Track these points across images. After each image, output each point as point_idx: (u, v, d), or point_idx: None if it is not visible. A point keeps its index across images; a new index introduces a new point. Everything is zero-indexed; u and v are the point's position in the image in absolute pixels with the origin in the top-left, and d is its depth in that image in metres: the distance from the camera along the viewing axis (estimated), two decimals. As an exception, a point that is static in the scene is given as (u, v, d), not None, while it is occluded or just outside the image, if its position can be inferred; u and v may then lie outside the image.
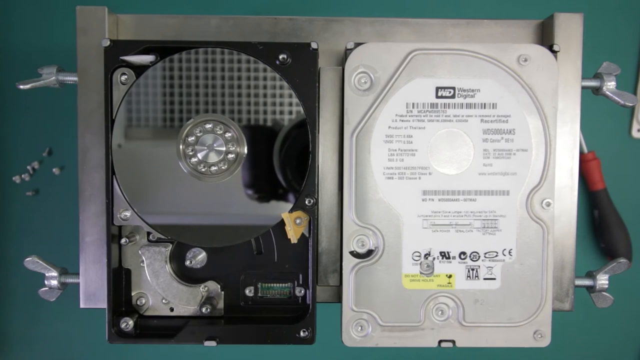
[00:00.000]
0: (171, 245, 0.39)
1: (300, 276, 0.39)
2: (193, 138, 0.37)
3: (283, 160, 0.38)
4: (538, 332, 0.38)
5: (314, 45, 0.36)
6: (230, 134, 0.37)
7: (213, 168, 0.37)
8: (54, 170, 0.56)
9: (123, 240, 0.37)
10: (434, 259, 0.38)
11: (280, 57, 0.36)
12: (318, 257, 0.39)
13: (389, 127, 0.37)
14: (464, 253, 0.38)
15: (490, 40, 0.40)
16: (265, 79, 0.37)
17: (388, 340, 0.38)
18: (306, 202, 0.37)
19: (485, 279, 0.38)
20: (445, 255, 0.38)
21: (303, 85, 0.37)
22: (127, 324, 0.37)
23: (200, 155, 0.37)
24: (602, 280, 0.40)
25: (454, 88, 0.37)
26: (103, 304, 0.38)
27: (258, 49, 0.37)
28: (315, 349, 0.51)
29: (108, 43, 0.36)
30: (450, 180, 0.37)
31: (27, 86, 0.38)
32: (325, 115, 0.38)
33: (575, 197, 0.40)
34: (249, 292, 0.39)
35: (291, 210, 0.37)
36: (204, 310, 0.38)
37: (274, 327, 0.38)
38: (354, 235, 0.37)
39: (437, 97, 0.37)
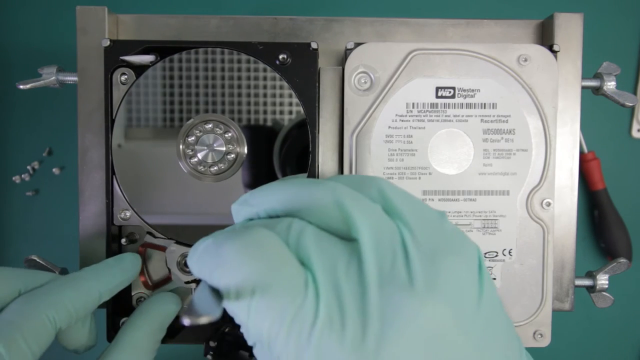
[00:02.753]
0: (171, 245, 0.39)
1: (300, 276, 0.39)
2: (193, 138, 0.37)
3: (283, 160, 0.38)
4: (538, 332, 0.38)
5: (314, 45, 0.36)
6: (230, 134, 0.37)
7: (213, 168, 0.37)
8: (54, 170, 0.56)
9: (123, 240, 0.38)
10: (434, 259, 0.38)
11: (280, 57, 0.36)
12: (318, 257, 0.39)
13: (389, 127, 0.37)
14: (464, 253, 0.38)
15: (490, 40, 0.40)
16: (265, 79, 0.37)
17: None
18: (306, 202, 0.37)
19: (485, 279, 0.38)
20: (445, 255, 0.38)
21: (303, 85, 0.37)
22: (127, 324, 0.37)
23: (200, 155, 0.37)
24: (602, 280, 0.40)
25: (454, 88, 0.37)
26: (102, 304, 0.38)
27: (258, 49, 0.37)
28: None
29: (108, 43, 0.36)
30: (450, 180, 0.37)
31: (27, 86, 0.38)
32: (325, 115, 0.38)
33: (576, 197, 0.40)
34: (249, 292, 0.39)
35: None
36: (204, 310, 0.38)
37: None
38: (354, 235, 0.37)
39: (437, 97, 0.37)
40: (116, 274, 0.33)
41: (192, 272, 0.25)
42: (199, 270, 0.24)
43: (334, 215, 0.23)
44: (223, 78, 0.37)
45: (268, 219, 0.25)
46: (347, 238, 0.23)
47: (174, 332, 0.37)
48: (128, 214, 0.37)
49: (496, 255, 0.38)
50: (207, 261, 0.23)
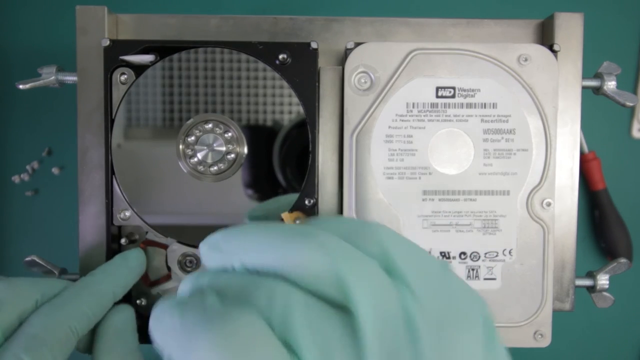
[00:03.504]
0: (171, 245, 0.39)
1: (300, 276, 0.39)
2: (193, 138, 0.37)
3: (283, 160, 0.38)
4: (538, 332, 0.38)
5: (313, 45, 0.36)
6: (230, 134, 0.37)
7: (213, 168, 0.37)
8: (53, 170, 0.56)
9: (123, 240, 0.37)
10: (434, 259, 0.38)
11: (280, 56, 0.36)
12: (318, 257, 0.39)
13: (389, 126, 0.37)
14: (464, 253, 0.38)
15: (491, 40, 0.40)
16: (265, 78, 0.37)
17: (388, 341, 0.38)
18: (306, 202, 0.37)
19: (485, 279, 0.38)
20: (445, 256, 0.38)
21: (303, 85, 0.37)
22: (127, 324, 0.37)
23: (200, 155, 0.37)
24: (603, 280, 0.40)
25: (454, 88, 0.37)
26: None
27: (258, 49, 0.37)
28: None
29: (108, 43, 0.36)
30: (450, 180, 0.37)
31: (27, 86, 0.38)
32: (325, 115, 0.38)
33: (576, 197, 0.40)
34: (248, 292, 0.39)
35: (291, 210, 0.37)
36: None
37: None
38: (354, 235, 0.37)
39: (437, 97, 0.37)
40: (125, 272, 0.35)
41: (154, 342, 0.21)
42: (163, 349, 0.20)
43: (326, 281, 0.20)
44: (223, 78, 0.37)
45: (244, 279, 0.21)
46: (341, 305, 0.20)
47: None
48: (128, 214, 0.37)
49: (496, 255, 0.38)
50: (174, 347, 0.19)
